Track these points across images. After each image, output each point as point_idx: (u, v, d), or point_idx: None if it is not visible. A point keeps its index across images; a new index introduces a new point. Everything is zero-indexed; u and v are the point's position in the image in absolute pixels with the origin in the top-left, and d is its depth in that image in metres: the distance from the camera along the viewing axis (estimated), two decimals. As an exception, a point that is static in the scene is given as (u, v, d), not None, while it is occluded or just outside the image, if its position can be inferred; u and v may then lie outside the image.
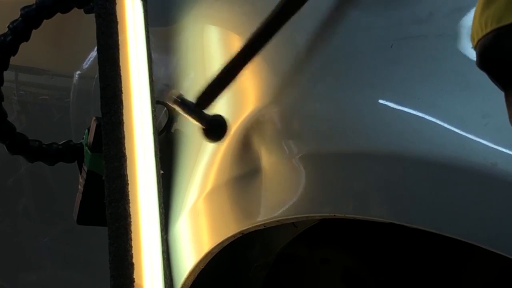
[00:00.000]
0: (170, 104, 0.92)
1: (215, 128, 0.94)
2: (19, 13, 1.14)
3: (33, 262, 1.73)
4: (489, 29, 0.51)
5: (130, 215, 1.00)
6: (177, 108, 0.91)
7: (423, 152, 0.73)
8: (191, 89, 1.07)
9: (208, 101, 0.93)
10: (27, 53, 1.18)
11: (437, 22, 0.77)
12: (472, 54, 0.69)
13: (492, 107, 0.68)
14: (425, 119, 0.74)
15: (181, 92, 0.92)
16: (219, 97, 0.92)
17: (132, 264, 0.98)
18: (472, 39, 0.54)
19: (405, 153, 0.75)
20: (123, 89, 1.03)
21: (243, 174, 0.94)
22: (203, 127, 0.93)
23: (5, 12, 1.38)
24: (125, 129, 1.01)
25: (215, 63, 1.01)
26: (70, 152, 1.17)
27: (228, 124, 0.94)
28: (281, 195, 0.88)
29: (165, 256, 1.04)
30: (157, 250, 1.03)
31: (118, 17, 1.04)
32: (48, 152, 1.17)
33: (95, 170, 1.10)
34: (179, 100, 0.90)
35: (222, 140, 0.95)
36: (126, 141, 1.01)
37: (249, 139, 0.93)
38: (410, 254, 1.17)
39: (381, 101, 0.79)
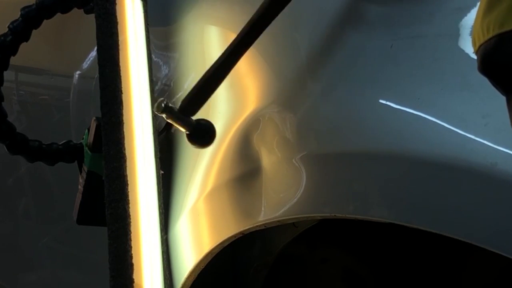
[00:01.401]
0: (156, 112, 0.92)
1: (200, 133, 0.93)
2: (19, 13, 1.14)
3: (33, 262, 1.73)
4: (491, 35, 0.51)
5: (129, 215, 1.00)
6: (163, 115, 0.91)
7: (423, 152, 0.73)
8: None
9: (194, 107, 0.92)
10: (27, 53, 1.18)
11: (437, 22, 0.77)
12: (473, 54, 0.69)
13: (492, 107, 0.68)
14: (425, 119, 0.74)
15: (167, 99, 0.92)
16: (204, 102, 0.92)
17: (131, 265, 0.98)
18: (474, 44, 0.54)
19: (405, 153, 0.75)
20: (123, 89, 1.03)
21: (243, 174, 0.94)
22: (187, 133, 0.93)
23: (5, 12, 1.38)
24: (125, 130, 1.01)
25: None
26: (70, 152, 1.17)
27: (214, 128, 0.94)
28: (281, 195, 0.88)
29: (164, 257, 1.04)
30: (157, 251, 1.03)
31: (118, 17, 1.04)
32: (48, 152, 1.17)
33: (95, 170, 1.10)
34: (163, 107, 0.90)
35: (209, 145, 0.95)
36: (126, 141, 1.01)
37: (249, 139, 0.93)
38: (410, 254, 1.17)
39: (381, 101, 0.79)
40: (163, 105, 0.90)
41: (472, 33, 0.54)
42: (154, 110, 0.92)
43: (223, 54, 0.89)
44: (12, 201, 1.74)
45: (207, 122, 0.94)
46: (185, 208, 1.05)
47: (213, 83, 0.91)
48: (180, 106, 0.92)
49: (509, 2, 0.50)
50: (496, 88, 0.53)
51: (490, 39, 0.51)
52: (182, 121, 0.92)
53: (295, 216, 0.88)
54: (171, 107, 0.91)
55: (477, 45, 0.53)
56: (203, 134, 0.94)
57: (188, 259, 1.04)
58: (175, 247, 1.07)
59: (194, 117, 0.93)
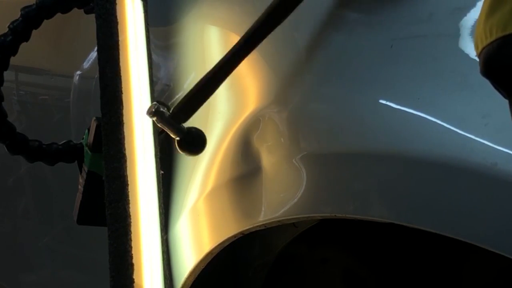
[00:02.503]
0: (148, 116, 0.92)
1: (190, 141, 0.94)
2: (19, 13, 1.14)
3: (33, 262, 1.73)
4: (493, 37, 0.51)
5: (130, 215, 1.00)
6: (154, 120, 0.92)
7: (423, 152, 0.73)
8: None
9: (185, 114, 0.93)
10: (27, 53, 1.18)
11: (437, 22, 0.77)
12: (473, 54, 0.69)
13: (492, 107, 0.68)
14: (425, 119, 0.74)
15: (159, 104, 0.93)
16: (196, 110, 0.92)
17: (132, 265, 0.98)
18: (476, 46, 0.53)
19: (405, 153, 0.75)
20: (123, 89, 1.03)
21: (243, 174, 0.94)
22: (178, 139, 0.93)
23: (5, 12, 1.38)
24: (125, 130, 1.01)
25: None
26: (70, 152, 1.17)
27: (205, 138, 0.94)
28: (281, 195, 0.88)
29: (164, 257, 1.04)
30: (157, 251, 1.03)
31: (118, 18, 1.04)
32: (48, 152, 1.17)
33: (95, 170, 1.10)
34: (155, 112, 0.91)
35: (198, 154, 0.95)
36: (126, 141, 1.01)
37: (249, 139, 0.93)
38: (410, 254, 1.17)
39: (381, 101, 0.79)
40: (153, 109, 0.91)
41: (474, 36, 0.54)
42: (146, 113, 0.92)
43: (217, 64, 0.89)
44: (12, 201, 1.74)
45: (198, 130, 0.94)
46: (185, 208, 1.05)
47: (206, 92, 0.91)
48: (172, 112, 0.92)
49: None
50: (499, 91, 0.53)
51: (492, 42, 0.51)
52: (173, 127, 0.92)
53: (295, 216, 0.88)
54: (162, 111, 0.91)
55: (480, 48, 0.53)
56: (193, 142, 0.94)
57: (188, 259, 1.04)
58: (175, 247, 1.07)
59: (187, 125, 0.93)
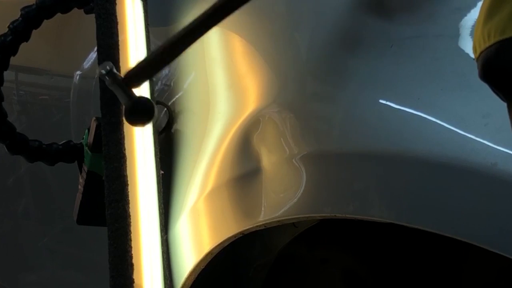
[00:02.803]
0: (98, 76, 0.88)
1: (139, 110, 0.89)
2: (19, 13, 1.14)
3: (33, 262, 1.73)
4: (492, 41, 0.51)
5: (130, 215, 1.00)
6: (105, 80, 0.88)
7: (423, 152, 0.73)
8: (192, 89, 1.07)
9: (139, 79, 0.89)
10: (27, 53, 1.18)
11: (437, 22, 0.78)
12: (473, 54, 0.69)
13: (492, 107, 0.68)
14: (425, 119, 0.74)
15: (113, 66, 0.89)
16: (150, 77, 0.88)
17: (131, 265, 0.98)
18: (474, 50, 0.53)
19: (405, 153, 0.75)
20: (123, 89, 1.03)
21: (243, 174, 0.94)
22: (125, 106, 0.89)
23: (5, 12, 1.38)
24: (125, 130, 1.01)
25: (215, 63, 1.01)
26: (70, 152, 1.17)
27: (153, 107, 0.89)
28: (281, 195, 0.88)
29: (165, 257, 1.04)
30: (157, 251, 1.03)
31: (118, 17, 1.04)
32: (48, 152, 1.17)
33: (95, 170, 1.10)
34: (109, 71, 0.87)
35: (144, 126, 0.90)
36: (126, 141, 1.01)
37: (249, 139, 0.93)
38: (410, 254, 1.17)
39: (381, 101, 0.79)
40: (108, 68, 0.88)
41: (472, 39, 0.54)
42: (98, 69, 0.89)
43: (179, 32, 0.86)
44: (12, 201, 1.74)
45: (148, 100, 0.90)
46: (185, 208, 1.05)
47: (163, 60, 0.88)
48: (125, 76, 0.89)
49: (511, 8, 0.50)
50: (497, 94, 0.53)
51: (491, 46, 0.51)
52: (124, 91, 0.88)
53: (295, 216, 0.88)
54: (115, 73, 0.88)
55: (478, 51, 0.53)
56: (141, 112, 0.89)
57: (188, 259, 1.04)
58: (175, 247, 1.07)
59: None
